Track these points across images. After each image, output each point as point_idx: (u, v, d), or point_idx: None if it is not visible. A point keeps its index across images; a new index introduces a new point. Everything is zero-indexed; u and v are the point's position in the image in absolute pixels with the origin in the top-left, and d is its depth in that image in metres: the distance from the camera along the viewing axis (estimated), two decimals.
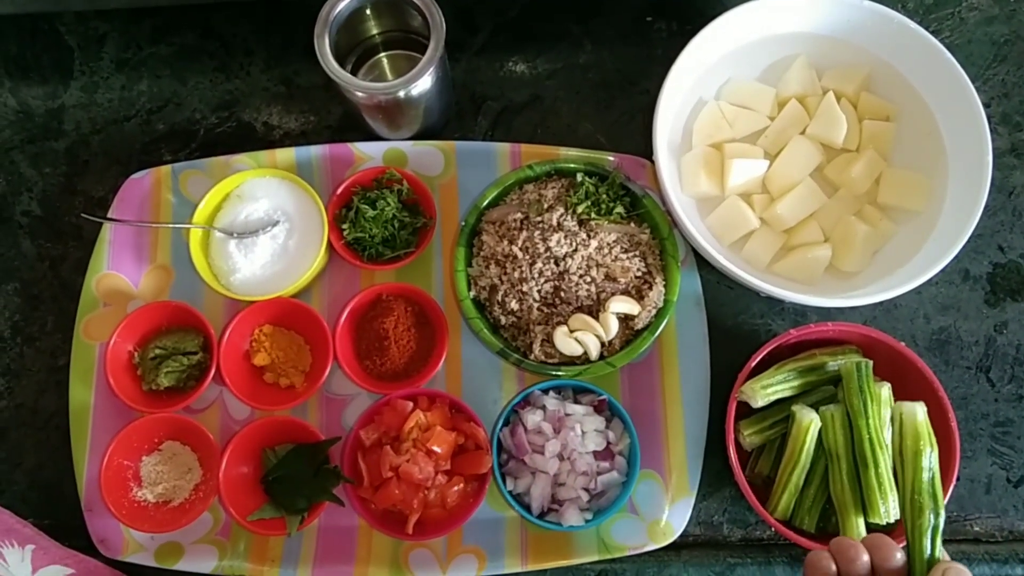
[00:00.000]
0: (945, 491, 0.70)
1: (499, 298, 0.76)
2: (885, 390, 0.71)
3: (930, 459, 0.67)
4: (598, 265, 0.75)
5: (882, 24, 0.78)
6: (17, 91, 0.86)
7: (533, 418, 0.74)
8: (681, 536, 0.75)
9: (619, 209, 0.77)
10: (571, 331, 0.74)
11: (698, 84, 0.81)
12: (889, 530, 0.70)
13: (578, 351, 0.75)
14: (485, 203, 0.79)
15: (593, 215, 0.76)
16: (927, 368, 0.72)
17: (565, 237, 0.76)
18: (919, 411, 0.68)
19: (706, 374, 0.77)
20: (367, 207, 0.77)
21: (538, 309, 0.76)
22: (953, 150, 0.77)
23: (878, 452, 0.70)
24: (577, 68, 0.86)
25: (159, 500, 0.75)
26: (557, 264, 0.76)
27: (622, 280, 0.75)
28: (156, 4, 0.85)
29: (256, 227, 0.77)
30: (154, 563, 0.74)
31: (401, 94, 0.72)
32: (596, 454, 0.74)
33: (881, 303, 0.79)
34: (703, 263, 0.79)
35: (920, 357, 0.73)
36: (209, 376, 0.75)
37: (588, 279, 0.75)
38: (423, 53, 0.71)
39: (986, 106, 0.76)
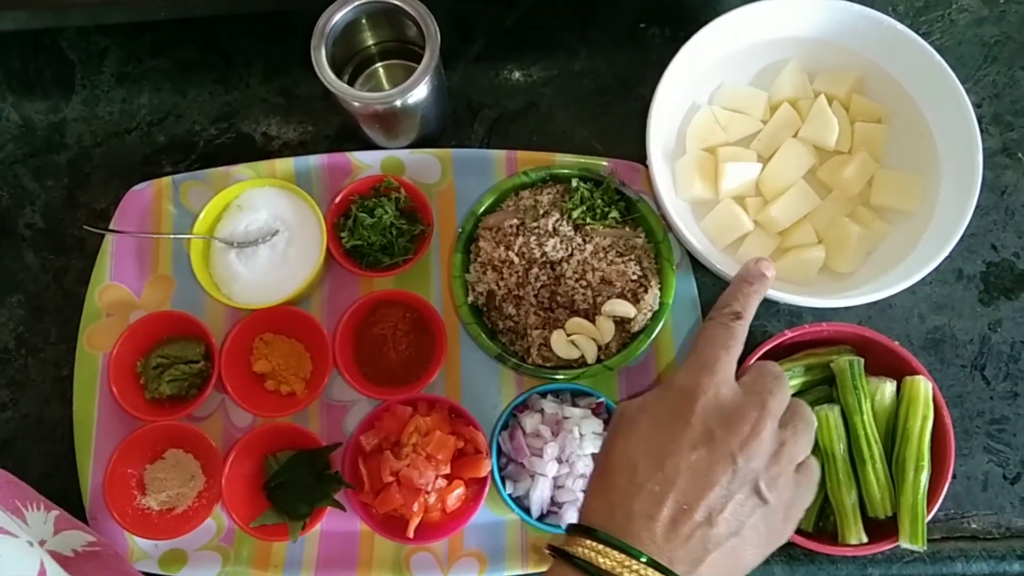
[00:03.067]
0: (941, 489, 0.70)
1: (496, 303, 0.77)
2: (889, 385, 0.73)
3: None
4: (594, 269, 0.76)
5: (872, 27, 0.79)
6: (20, 105, 0.87)
7: (531, 421, 0.74)
8: None
9: (614, 214, 0.78)
10: (568, 335, 0.75)
11: (691, 89, 0.82)
12: (888, 524, 0.71)
13: (575, 355, 0.75)
14: (482, 210, 0.79)
15: (588, 220, 0.77)
16: (922, 367, 0.73)
17: (561, 242, 0.76)
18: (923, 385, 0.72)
19: None
20: (365, 215, 0.78)
21: (535, 314, 0.76)
22: (945, 151, 0.78)
23: (874, 448, 0.71)
24: (572, 75, 0.87)
25: (163, 508, 0.76)
26: (553, 269, 0.76)
27: (618, 284, 0.76)
28: (156, 18, 0.86)
29: (256, 236, 0.78)
30: (159, 571, 0.75)
31: (398, 103, 0.73)
32: (594, 456, 0.75)
33: (875, 303, 0.80)
34: (698, 266, 0.80)
35: (915, 356, 0.73)
36: (211, 384, 0.76)
37: (584, 283, 0.76)
38: (419, 62, 0.72)
39: (977, 107, 0.77)
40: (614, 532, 0.51)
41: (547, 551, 0.54)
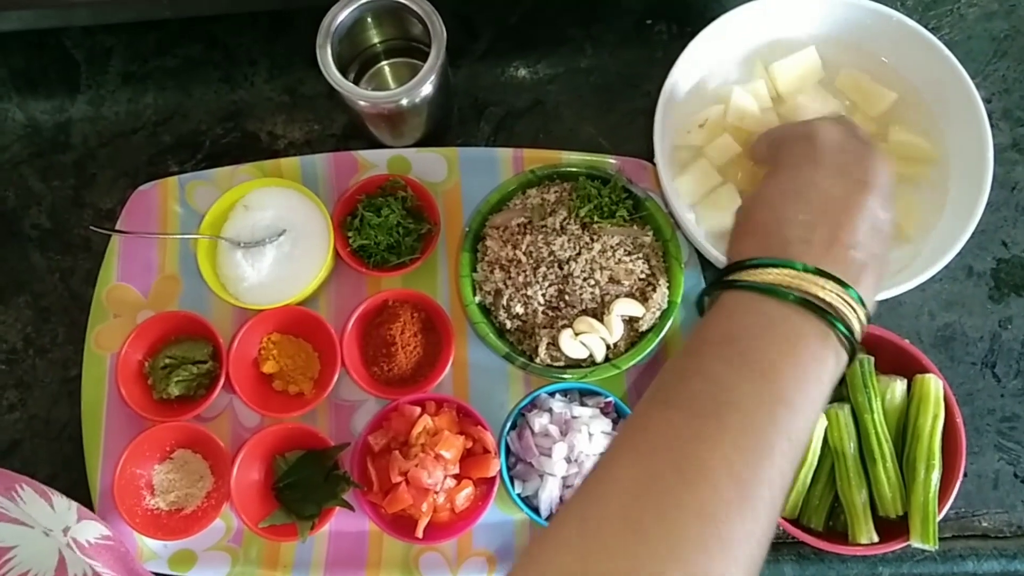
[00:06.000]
0: (952, 487, 0.70)
1: (504, 302, 0.77)
2: (900, 383, 0.72)
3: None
4: (602, 268, 0.76)
5: (881, 22, 0.78)
6: (25, 106, 0.87)
7: (540, 421, 0.74)
8: None
9: (622, 212, 0.78)
10: (576, 334, 0.75)
11: (699, 86, 0.81)
12: (898, 523, 0.70)
13: (583, 354, 0.75)
14: (488, 208, 0.79)
15: (596, 218, 0.77)
16: (932, 365, 0.72)
17: (568, 240, 0.76)
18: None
19: None
20: (372, 214, 0.78)
21: (543, 313, 0.76)
22: (954, 147, 0.78)
23: (885, 447, 0.70)
24: (578, 72, 0.87)
25: (172, 508, 0.76)
26: (561, 267, 0.76)
27: (626, 282, 0.76)
28: (161, 17, 0.86)
29: (262, 236, 0.78)
30: (168, 571, 0.75)
31: (403, 102, 0.72)
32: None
33: (885, 300, 0.79)
34: (707, 264, 0.79)
35: (925, 354, 0.73)
36: (219, 384, 0.76)
37: (592, 282, 0.76)
38: (424, 60, 0.71)
39: (987, 102, 0.76)
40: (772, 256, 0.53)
41: (705, 294, 0.56)
